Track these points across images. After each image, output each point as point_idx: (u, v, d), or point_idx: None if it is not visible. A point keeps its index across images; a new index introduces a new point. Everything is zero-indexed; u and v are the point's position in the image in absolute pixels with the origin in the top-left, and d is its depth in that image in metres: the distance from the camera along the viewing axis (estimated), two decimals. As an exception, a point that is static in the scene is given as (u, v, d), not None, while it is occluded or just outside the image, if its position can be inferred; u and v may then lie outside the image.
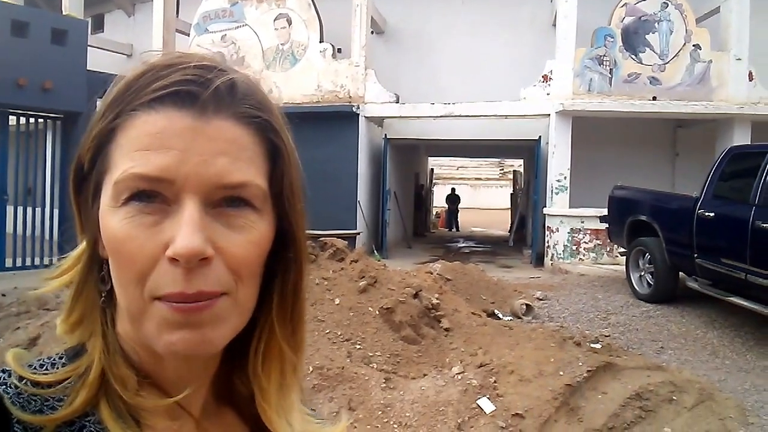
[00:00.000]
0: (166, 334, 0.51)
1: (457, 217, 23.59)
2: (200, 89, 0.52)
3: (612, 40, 11.29)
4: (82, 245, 0.59)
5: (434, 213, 24.35)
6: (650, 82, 11.24)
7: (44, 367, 0.55)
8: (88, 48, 10.39)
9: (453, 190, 23.92)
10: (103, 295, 0.57)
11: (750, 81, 11.13)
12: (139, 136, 0.52)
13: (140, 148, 0.51)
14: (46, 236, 9.86)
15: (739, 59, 11.07)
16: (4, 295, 7.11)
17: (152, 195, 0.51)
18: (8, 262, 9.45)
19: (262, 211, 0.55)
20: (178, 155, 0.51)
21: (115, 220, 0.51)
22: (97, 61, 11.82)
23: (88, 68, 10.05)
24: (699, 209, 6.87)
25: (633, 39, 11.29)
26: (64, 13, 13.10)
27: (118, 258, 0.52)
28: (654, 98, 11.16)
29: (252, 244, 0.54)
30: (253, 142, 0.55)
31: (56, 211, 9.90)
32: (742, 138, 10.78)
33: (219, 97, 0.53)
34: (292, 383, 0.64)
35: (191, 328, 0.51)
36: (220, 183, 0.52)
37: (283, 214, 0.58)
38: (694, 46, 11.19)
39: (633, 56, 11.28)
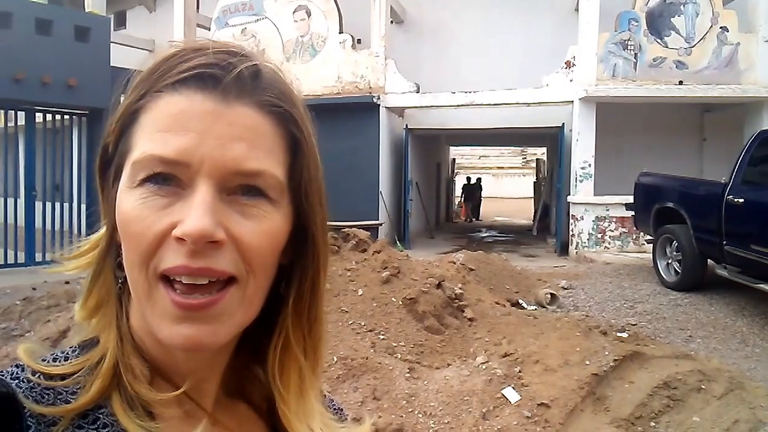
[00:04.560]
0: (168, 328, 0.51)
1: (478, 208, 23.33)
2: (223, 73, 0.52)
3: (636, 23, 11.07)
4: (102, 229, 0.59)
5: (457, 202, 24.27)
6: (676, 66, 11.00)
7: (57, 360, 0.55)
8: (111, 45, 10.50)
9: (468, 179, 23.74)
10: (120, 281, 0.57)
11: (779, 63, 10.84)
12: (160, 117, 0.52)
13: (161, 129, 0.51)
14: (75, 231, 10.03)
15: (768, 41, 10.80)
16: (34, 288, 7.27)
17: (168, 178, 0.51)
18: (38, 257, 9.64)
19: (278, 203, 0.54)
20: (195, 137, 0.50)
21: (129, 200, 0.51)
22: (120, 57, 11.95)
23: (111, 65, 10.17)
24: (728, 195, 6.73)
25: (658, 22, 11.06)
26: (86, 10, 13.26)
27: (126, 237, 0.52)
28: (680, 82, 10.93)
29: (265, 234, 0.53)
30: (273, 132, 0.54)
31: (84, 206, 10.06)
32: (771, 122, 10.53)
33: (242, 83, 0.53)
34: (311, 386, 0.63)
35: (194, 323, 0.51)
36: (235, 169, 0.51)
37: (300, 208, 0.57)
38: (721, 28, 10.92)
39: (658, 40, 11.05)
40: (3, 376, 0.53)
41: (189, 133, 0.50)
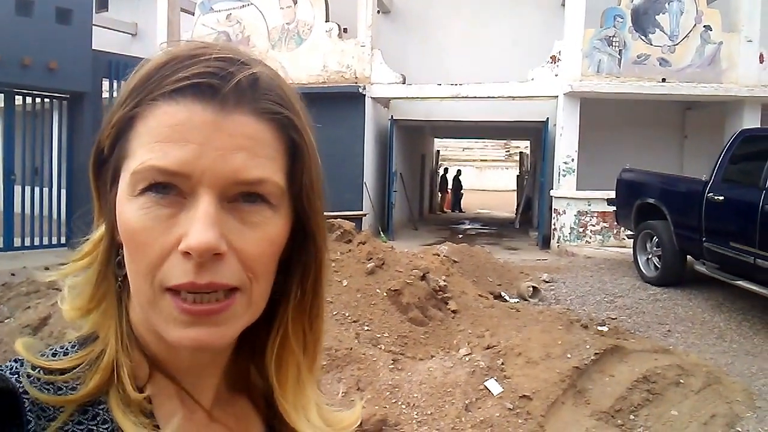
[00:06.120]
0: (175, 331, 0.51)
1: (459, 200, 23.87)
2: (221, 83, 0.52)
3: (622, 20, 11.15)
4: (101, 229, 0.59)
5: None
6: (660, 64, 11.10)
7: (56, 356, 0.55)
8: (93, 27, 10.31)
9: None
10: (119, 279, 0.57)
11: (761, 63, 10.99)
12: (158, 126, 0.51)
13: (159, 139, 0.51)
14: (54, 216, 9.89)
15: (750, 41, 10.92)
16: (13, 274, 7.17)
17: (168, 187, 0.51)
18: (17, 242, 9.50)
19: (278, 208, 0.55)
20: (196, 149, 0.50)
21: (131, 210, 0.51)
22: (101, 40, 11.75)
23: (93, 48, 9.99)
24: (708, 192, 6.83)
25: (643, 19, 11.14)
26: (68, -9, 12.96)
27: (131, 248, 0.52)
28: (663, 80, 11.04)
29: (266, 242, 0.54)
30: (273, 138, 0.54)
31: (63, 191, 9.92)
32: (751, 121, 10.68)
33: (240, 92, 0.52)
34: (308, 379, 0.64)
35: (202, 326, 0.51)
36: (237, 179, 0.51)
37: (301, 210, 0.58)
38: (704, 27, 11.03)
39: (643, 37, 11.14)
40: (2, 371, 0.52)
41: (189, 144, 0.50)
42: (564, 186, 11.40)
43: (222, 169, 0.50)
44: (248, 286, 0.53)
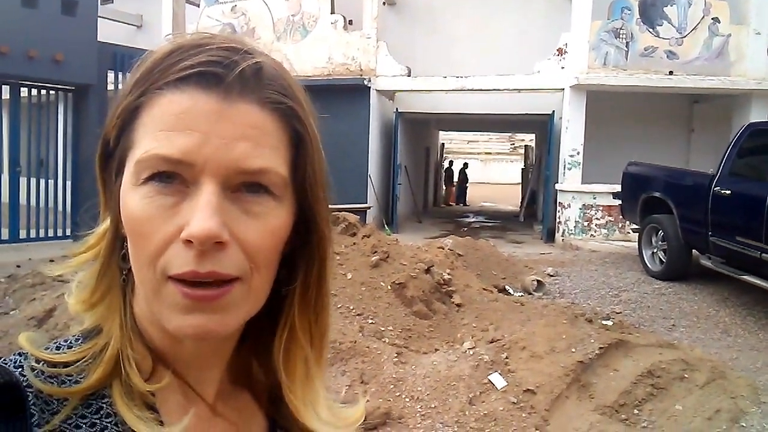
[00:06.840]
0: (177, 319, 0.51)
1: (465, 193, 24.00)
2: (226, 71, 0.52)
3: (629, 12, 11.06)
4: (106, 222, 0.59)
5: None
6: (667, 56, 11.02)
7: (60, 349, 0.56)
8: (98, 19, 10.30)
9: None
10: (124, 273, 0.57)
11: (769, 55, 10.90)
12: (163, 115, 0.51)
13: (163, 128, 0.51)
14: (59, 208, 9.93)
15: (759, 33, 10.81)
16: (19, 266, 7.20)
17: (172, 175, 0.51)
18: (22, 234, 9.54)
19: (281, 199, 0.54)
20: (199, 137, 0.50)
21: (134, 199, 0.51)
22: (107, 32, 11.75)
23: (98, 40, 9.99)
24: (715, 186, 6.80)
25: (650, 11, 11.06)
26: (73, -17, 12.95)
27: (134, 237, 0.52)
28: (671, 72, 10.97)
29: (268, 232, 0.53)
30: (276, 129, 0.54)
31: (69, 183, 9.95)
32: (759, 114, 10.59)
33: (244, 81, 0.52)
34: (316, 373, 0.64)
35: (203, 313, 0.51)
36: (239, 168, 0.51)
37: (304, 202, 0.58)
38: (712, 19, 10.94)
39: (650, 29, 11.05)
40: (6, 364, 0.53)
41: (193, 133, 0.50)
42: (569, 179, 11.36)
43: (225, 158, 0.50)
44: (249, 276, 0.53)
